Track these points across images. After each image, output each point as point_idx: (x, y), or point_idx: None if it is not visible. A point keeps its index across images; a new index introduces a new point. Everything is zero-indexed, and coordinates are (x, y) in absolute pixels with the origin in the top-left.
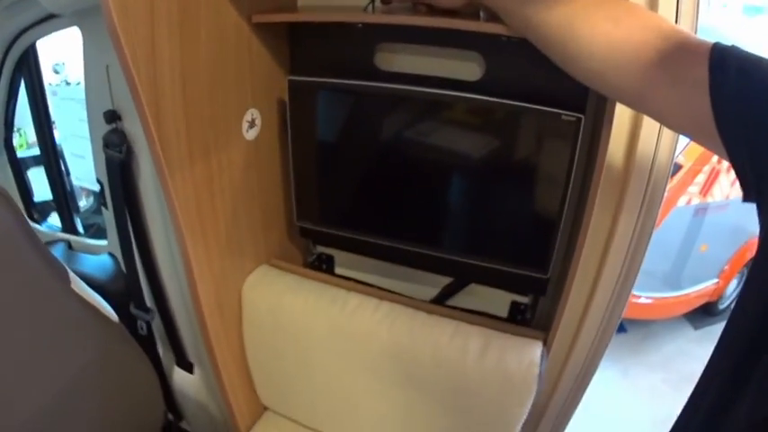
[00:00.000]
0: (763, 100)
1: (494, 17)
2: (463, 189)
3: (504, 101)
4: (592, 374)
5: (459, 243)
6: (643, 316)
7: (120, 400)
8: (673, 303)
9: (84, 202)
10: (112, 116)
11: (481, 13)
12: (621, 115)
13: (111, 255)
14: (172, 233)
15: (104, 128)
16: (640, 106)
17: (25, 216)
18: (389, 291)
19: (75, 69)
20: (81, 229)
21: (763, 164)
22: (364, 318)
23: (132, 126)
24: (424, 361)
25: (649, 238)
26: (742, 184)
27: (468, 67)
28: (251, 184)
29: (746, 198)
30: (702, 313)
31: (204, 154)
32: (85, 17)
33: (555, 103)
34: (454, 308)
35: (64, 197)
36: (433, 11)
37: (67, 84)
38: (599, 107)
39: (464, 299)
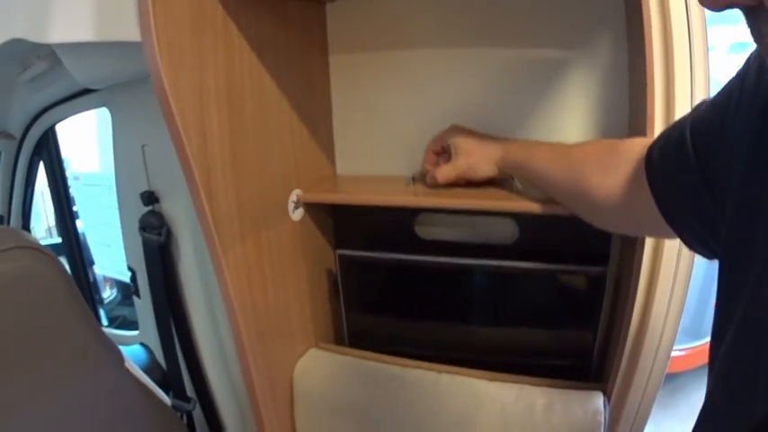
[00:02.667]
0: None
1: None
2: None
3: (537, 265)
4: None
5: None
6: (669, 370)
7: None
8: (697, 353)
9: (107, 293)
10: (150, 197)
11: (515, 184)
12: None
13: (144, 345)
14: (217, 317)
15: (139, 211)
16: (641, 232)
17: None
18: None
19: (80, 165)
20: (105, 322)
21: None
22: (427, 391)
23: (171, 207)
24: (493, 425)
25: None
26: (703, 252)
27: (503, 232)
28: (298, 265)
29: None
30: None
31: (255, 232)
32: (117, 97)
33: (583, 256)
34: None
35: (88, 289)
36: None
37: (76, 179)
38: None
39: None
